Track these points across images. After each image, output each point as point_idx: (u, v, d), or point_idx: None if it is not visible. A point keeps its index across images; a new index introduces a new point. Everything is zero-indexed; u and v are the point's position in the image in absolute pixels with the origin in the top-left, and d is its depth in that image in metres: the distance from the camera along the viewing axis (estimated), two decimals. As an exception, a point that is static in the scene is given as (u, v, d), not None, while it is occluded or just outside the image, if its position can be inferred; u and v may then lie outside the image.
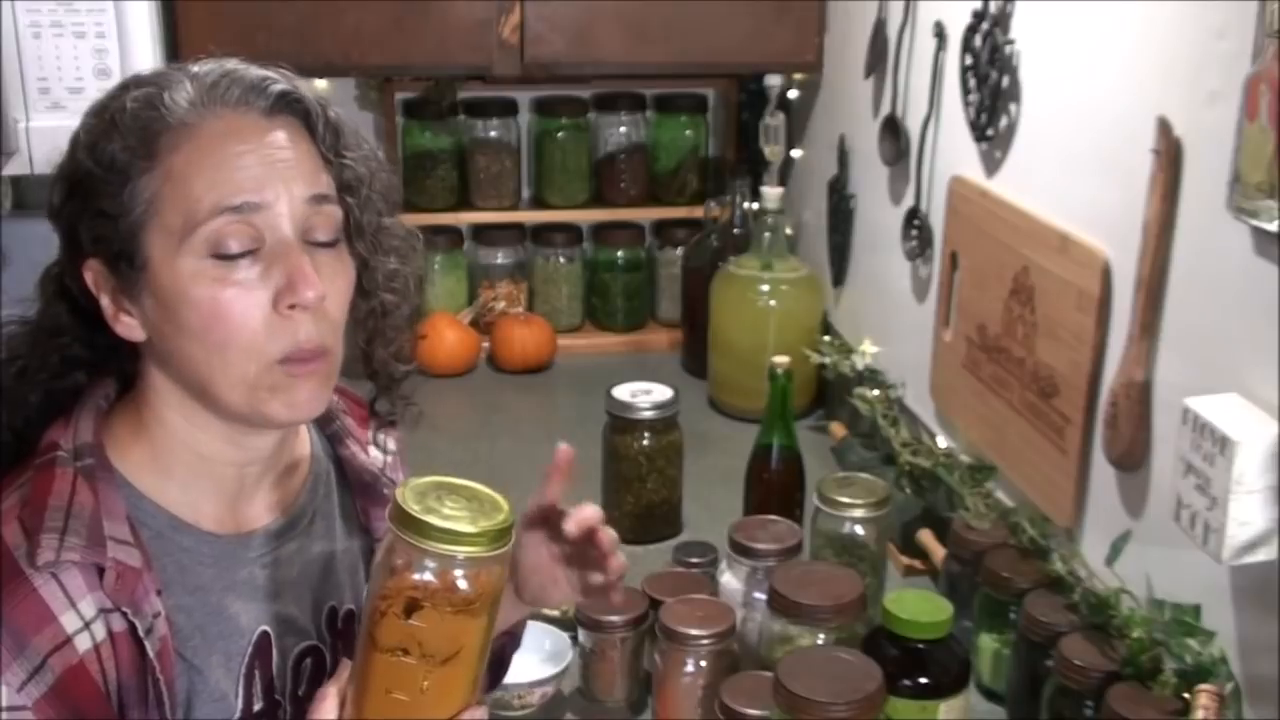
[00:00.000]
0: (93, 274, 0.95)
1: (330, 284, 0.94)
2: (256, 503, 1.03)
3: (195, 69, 0.96)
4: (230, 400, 0.94)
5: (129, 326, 0.95)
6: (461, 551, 0.85)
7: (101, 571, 0.90)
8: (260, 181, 0.92)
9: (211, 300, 0.91)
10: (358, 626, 0.92)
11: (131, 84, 0.96)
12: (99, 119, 0.94)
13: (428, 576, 0.85)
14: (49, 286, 1.01)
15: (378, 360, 1.09)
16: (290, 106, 0.96)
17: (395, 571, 0.86)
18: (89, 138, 0.94)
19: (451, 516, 0.86)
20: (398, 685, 0.88)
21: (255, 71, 0.96)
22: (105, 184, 0.92)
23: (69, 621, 0.88)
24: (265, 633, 1.01)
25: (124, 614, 0.90)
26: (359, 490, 1.13)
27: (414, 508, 0.85)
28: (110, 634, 0.90)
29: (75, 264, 0.96)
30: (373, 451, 1.16)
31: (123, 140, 0.91)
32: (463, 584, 0.86)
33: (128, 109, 0.92)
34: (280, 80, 0.96)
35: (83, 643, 0.89)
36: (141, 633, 0.91)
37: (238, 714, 0.99)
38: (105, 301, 0.95)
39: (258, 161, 0.92)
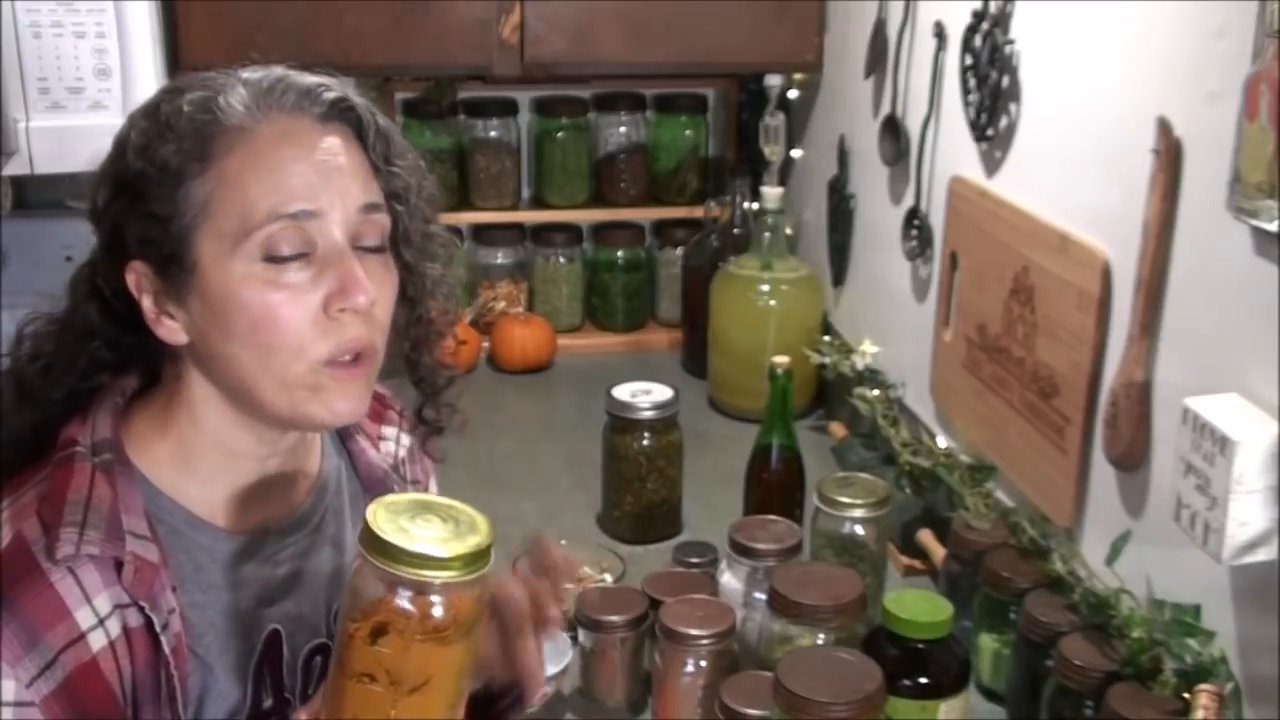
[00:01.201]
0: (136, 276, 0.95)
1: (378, 290, 0.95)
2: (271, 500, 1.03)
3: (247, 75, 0.96)
4: (272, 403, 0.94)
5: (171, 330, 0.95)
6: (432, 577, 0.82)
7: (119, 566, 0.90)
8: (315, 189, 0.92)
9: (262, 303, 0.91)
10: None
11: (184, 87, 0.96)
12: (151, 121, 0.94)
13: (397, 602, 0.82)
14: (80, 287, 1.01)
15: (424, 367, 1.10)
16: (343, 114, 0.97)
17: (363, 595, 0.83)
18: (141, 139, 0.93)
19: (423, 539, 0.83)
20: (365, 712, 0.85)
21: (309, 78, 0.97)
22: (157, 186, 0.92)
23: (84, 618, 0.88)
24: (276, 631, 1.02)
25: (141, 609, 0.91)
26: (369, 486, 1.13)
27: (384, 529, 0.82)
28: (125, 629, 0.90)
29: (116, 265, 0.96)
30: (384, 447, 1.17)
31: (177, 143, 0.92)
32: (435, 610, 0.83)
33: (184, 112, 0.93)
34: (333, 88, 0.97)
35: (97, 640, 0.89)
36: (158, 628, 0.91)
37: (246, 711, 0.99)
38: (147, 304, 0.95)
39: (313, 168, 0.93)
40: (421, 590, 0.82)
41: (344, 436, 1.14)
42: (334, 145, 0.95)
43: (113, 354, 1.01)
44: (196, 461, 0.98)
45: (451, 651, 0.85)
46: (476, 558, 0.84)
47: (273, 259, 0.91)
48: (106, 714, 0.89)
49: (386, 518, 0.84)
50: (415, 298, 1.05)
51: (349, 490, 1.12)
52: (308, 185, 0.92)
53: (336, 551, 1.08)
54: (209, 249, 0.92)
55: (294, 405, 0.94)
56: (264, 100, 0.93)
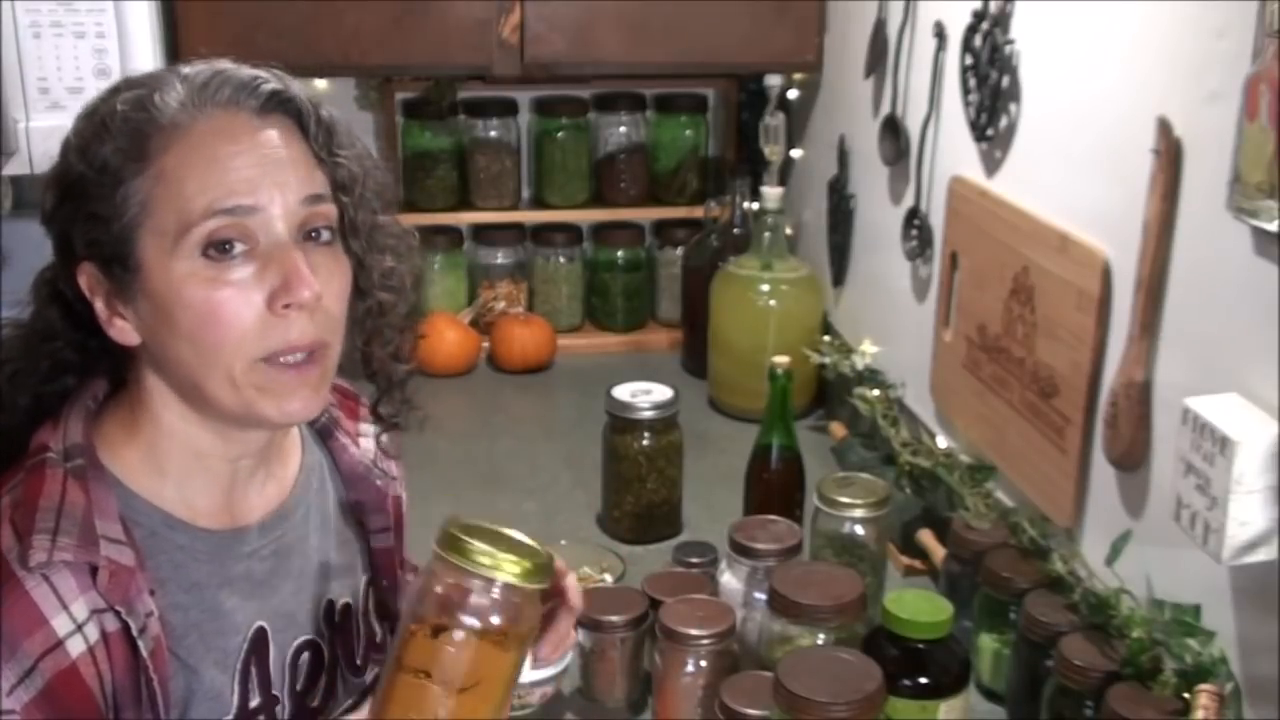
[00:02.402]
0: (86, 278, 0.95)
1: (327, 282, 0.94)
2: (250, 497, 1.03)
3: (186, 70, 0.95)
4: (224, 402, 0.94)
5: (122, 330, 0.95)
6: (500, 578, 0.87)
7: (94, 571, 0.90)
8: (253, 183, 0.91)
9: (205, 301, 0.90)
10: (388, 644, 0.94)
11: (122, 86, 0.96)
12: (89, 122, 0.94)
13: (464, 599, 0.87)
14: (42, 290, 1.01)
15: (377, 361, 1.09)
16: (282, 106, 0.95)
17: (432, 594, 0.88)
18: (80, 141, 0.93)
19: (494, 547, 0.88)
20: (415, 708, 0.88)
21: (246, 71, 0.95)
22: (97, 187, 0.91)
23: (60, 624, 0.88)
24: (261, 628, 1.01)
25: (117, 613, 0.90)
26: (351, 483, 1.13)
27: (459, 532, 0.88)
28: (104, 635, 0.90)
29: (69, 268, 0.96)
30: (363, 444, 1.17)
31: (114, 142, 0.91)
32: (495, 615, 0.87)
33: (118, 111, 0.92)
34: (271, 80, 0.95)
35: (75, 646, 0.88)
36: (135, 632, 0.91)
37: (233, 711, 0.99)
38: (99, 305, 0.95)
39: (250, 163, 0.92)
40: (487, 591, 0.87)
41: (324, 434, 1.13)
42: (272, 138, 0.94)
43: (76, 355, 1.00)
44: (166, 463, 0.98)
45: (505, 658, 0.89)
46: (540, 570, 0.89)
47: (212, 256, 0.90)
48: (89, 719, 0.89)
49: (461, 527, 0.89)
50: (365, 290, 1.03)
51: (332, 486, 1.12)
52: (245, 180, 0.91)
53: (321, 547, 1.08)
54: (151, 248, 0.91)
55: (246, 405, 0.94)
56: (199, 96, 0.93)
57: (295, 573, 1.05)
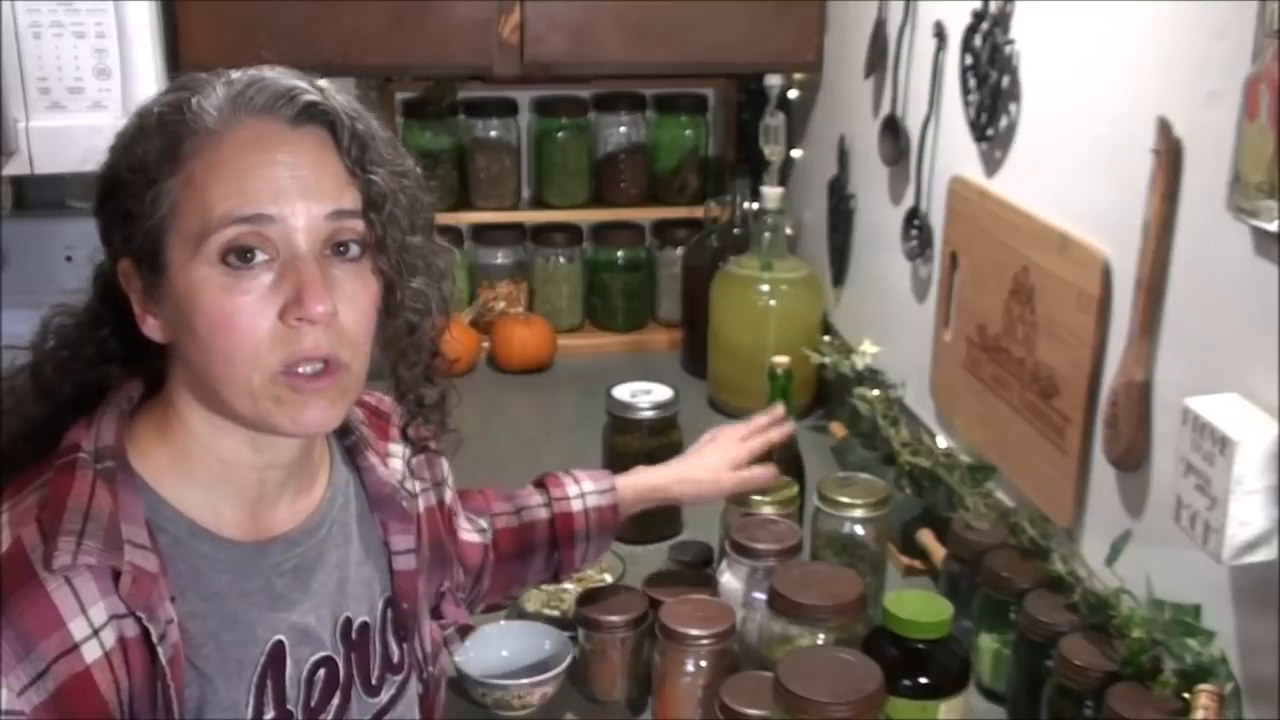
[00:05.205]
0: (124, 274, 0.96)
1: (349, 299, 0.94)
2: (278, 511, 1.02)
3: (233, 75, 0.96)
4: (240, 410, 0.94)
5: (153, 328, 0.96)
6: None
7: (116, 576, 0.89)
8: (276, 194, 0.91)
9: (220, 309, 0.91)
10: None
11: (169, 88, 0.97)
12: (134, 120, 0.96)
13: None
14: (98, 280, 1.02)
15: (404, 382, 1.08)
16: (317, 117, 0.95)
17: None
18: (123, 140, 0.95)
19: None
20: None
21: (286, 80, 0.95)
22: (133, 186, 0.93)
23: (77, 628, 0.87)
24: (279, 642, 1.00)
25: (138, 619, 0.90)
26: (377, 503, 1.12)
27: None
28: (121, 640, 0.89)
29: (112, 261, 0.98)
30: (391, 464, 1.16)
31: (150, 143, 0.93)
32: None
33: (155, 113, 0.94)
34: (310, 90, 0.95)
35: (91, 651, 0.88)
36: (155, 638, 0.90)
37: None
38: (135, 301, 0.96)
39: (277, 173, 0.92)
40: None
41: (352, 452, 1.13)
42: (302, 149, 0.93)
43: (121, 347, 1.01)
44: (195, 469, 0.98)
45: None
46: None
47: (231, 264, 0.90)
48: None
49: None
50: (393, 310, 1.02)
51: (356, 505, 1.11)
52: (268, 190, 0.91)
53: (342, 564, 1.07)
54: (176, 251, 0.92)
55: (260, 415, 0.94)
56: (235, 103, 0.93)
57: (315, 589, 1.04)
